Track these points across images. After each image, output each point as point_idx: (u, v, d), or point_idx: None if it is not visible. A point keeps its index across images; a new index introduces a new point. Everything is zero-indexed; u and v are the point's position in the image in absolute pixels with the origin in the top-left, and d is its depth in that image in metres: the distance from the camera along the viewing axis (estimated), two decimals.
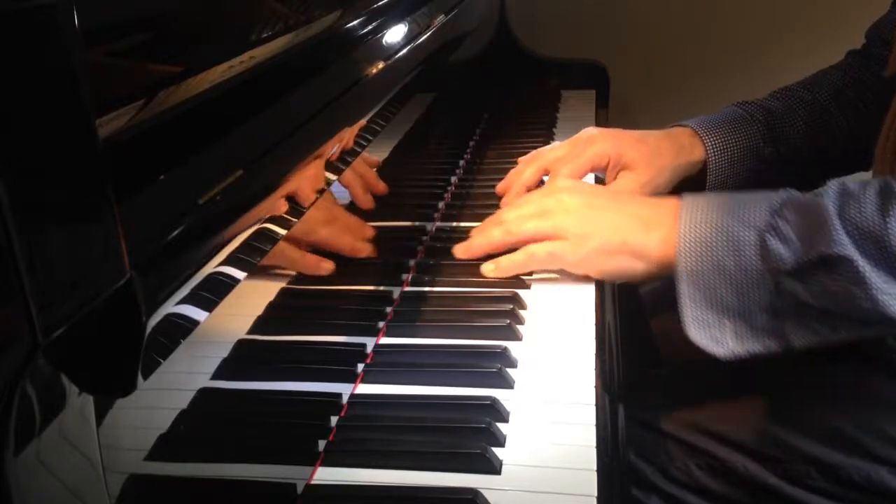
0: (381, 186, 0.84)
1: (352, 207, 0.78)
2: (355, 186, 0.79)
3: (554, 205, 0.78)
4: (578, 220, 0.76)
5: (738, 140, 0.93)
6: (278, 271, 0.62)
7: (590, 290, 0.80)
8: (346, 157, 0.68)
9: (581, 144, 0.92)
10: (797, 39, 1.63)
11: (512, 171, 0.95)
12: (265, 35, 0.59)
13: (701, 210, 0.70)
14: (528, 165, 0.94)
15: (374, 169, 0.84)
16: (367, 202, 0.81)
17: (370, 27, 0.82)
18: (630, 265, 0.75)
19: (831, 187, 0.67)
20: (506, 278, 0.81)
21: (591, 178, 0.98)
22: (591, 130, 0.95)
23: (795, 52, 1.61)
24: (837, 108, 0.96)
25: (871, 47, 0.98)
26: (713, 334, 0.68)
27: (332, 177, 0.64)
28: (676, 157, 0.91)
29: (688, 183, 0.93)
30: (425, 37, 0.92)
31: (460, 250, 0.83)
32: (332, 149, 0.63)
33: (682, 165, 0.92)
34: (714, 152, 0.92)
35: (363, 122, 0.70)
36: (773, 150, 0.94)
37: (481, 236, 0.83)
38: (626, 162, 0.91)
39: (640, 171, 0.90)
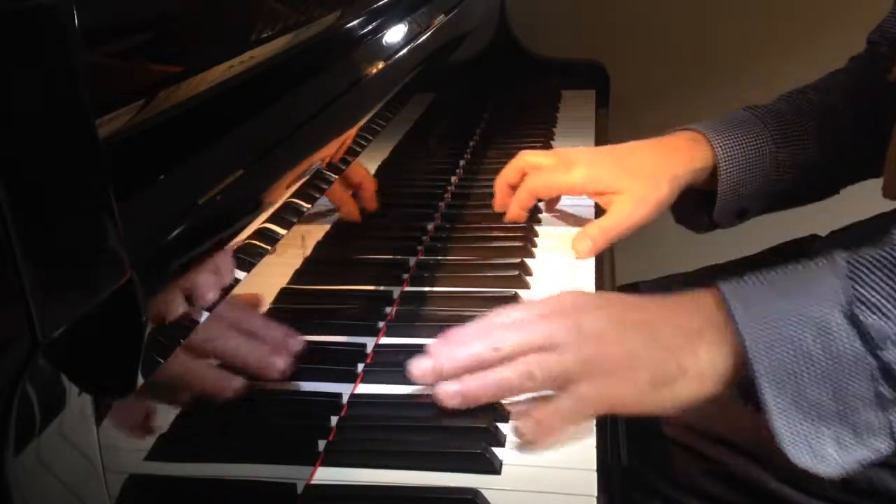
0: (372, 204, 0.78)
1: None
2: (345, 202, 0.73)
3: (574, 334, 0.60)
4: (615, 349, 0.59)
5: (750, 143, 0.87)
6: (278, 271, 0.62)
7: (590, 291, 0.80)
8: (347, 156, 0.68)
9: (564, 164, 0.88)
10: (798, 39, 1.63)
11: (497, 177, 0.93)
12: (265, 35, 0.59)
13: (756, 302, 0.58)
14: (509, 166, 0.92)
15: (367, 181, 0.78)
16: (355, 213, 0.74)
17: (370, 27, 0.82)
18: (692, 390, 0.59)
19: (893, 234, 0.59)
20: (505, 278, 0.81)
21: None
22: (577, 151, 0.91)
23: (796, 51, 1.61)
24: (848, 109, 0.92)
25: (878, 48, 0.96)
26: (813, 448, 0.56)
27: (333, 176, 0.64)
28: (672, 167, 0.85)
29: (694, 191, 0.89)
30: (425, 37, 0.92)
31: (447, 396, 0.60)
32: (332, 149, 0.63)
33: (682, 175, 0.86)
34: (725, 157, 0.86)
35: (363, 122, 0.70)
36: (786, 156, 0.89)
37: (473, 380, 0.60)
38: (610, 187, 0.85)
39: (629, 191, 0.84)
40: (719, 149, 0.86)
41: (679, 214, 0.96)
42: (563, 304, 0.63)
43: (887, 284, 0.55)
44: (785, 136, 0.89)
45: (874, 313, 0.54)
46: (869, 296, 0.55)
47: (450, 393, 0.60)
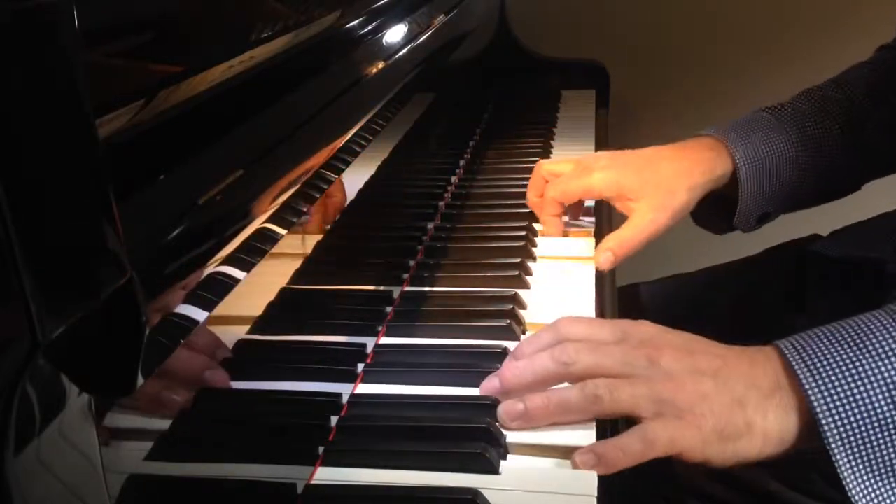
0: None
1: (352, 209, 0.78)
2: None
3: (650, 369, 0.59)
4: (689, 394, 0.57)
5: (771, 149, 0.86)
6: (278, 271, 0.62)
7: (590, 291, 0.80)
8: (347, 156, 0.68)
9: (583, 170, 0.88)
10: (798, 39, 1.63)
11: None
12: (265, 35, 0.59)
13: (820, 358, 0.56)
14: (531, 178, 0.93)
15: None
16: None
17: (370, 27, 0.82)
18: (755, 448, 0.58)
19: None
20: (505, 278, 0.81)
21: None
22: (597, 156, 0.91)
23: (797, 51, 1.61)
24: (871, 105, 0.90)
25: None
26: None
27: (333, 176, 0.64)
28: (690, 175, 0.85)
29: (715, 197, 0.88)
30: (425, 37, 0.92)
31: (509, 417, 0.60)
32: (332, 149, 0.63)
33: (701, 184, 0.85)
34: (746, 165, 0.85)
35: (363, 121, 0.70)
36: (808, 159, 0.88)
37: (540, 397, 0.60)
38: (628, 193, 0.86)
39: (647, 199, 0.85)
40: (740, 157, 0.86)
41: (698, 218, 0.95)
42: (641, 333, 0.62)
43: None
44: (805, 138, 0.88)
45: None
46: None
47: (511, 414, 0.59)
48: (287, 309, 0.60)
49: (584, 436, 0.59)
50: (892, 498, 0.54)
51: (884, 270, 0.85)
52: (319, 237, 0.67)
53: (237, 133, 0.51)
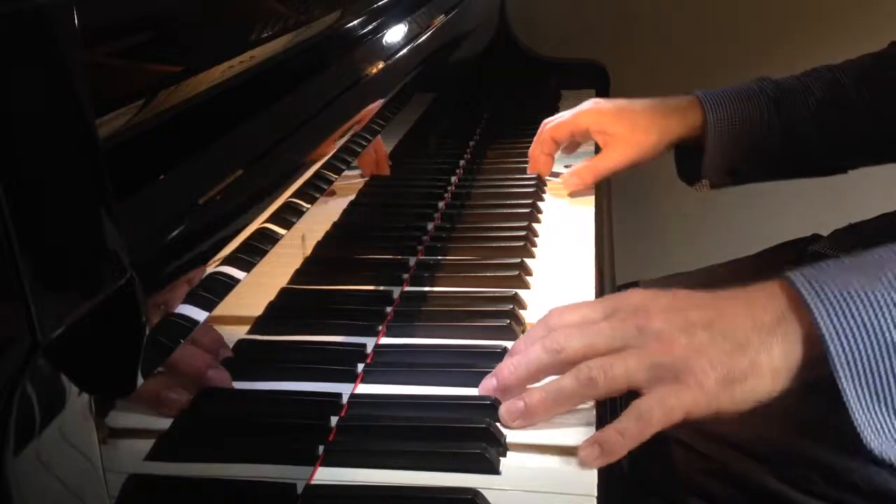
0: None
1: (352, 208, 0.78)
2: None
3: (638, 338, 0.58)
4: (682, 351, 0.57)
5: (741, 109, 0.95)
6: (278, 271, 0.62)
7: (590, 291, 0.80)
8: (347, 156, 0.68)
9: (574, 110, 1.01)
10: (798, 39, 1.63)
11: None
12: (265, 35, 0.59)
13: (832, 286, 0.55)
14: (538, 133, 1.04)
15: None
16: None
17: (370, 27, 0.82)
18: (766, 387, 0.57)
19: None
20: (505, 278, 0.81)
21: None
22: (589, 101, 1.01)
23: (796, 51, 1.61)
24: (856, 87, 0.96)
25: None
26: (893, 438, 0.54)
27: (333, 176, 0.64)
28: (665, 117, 0.96)
29: (686, 149, 0.99)
30: (425, 37, 0.92)
31: (510, 417, 0.60)
32: (332, 148, 0.63)
33: (672, 125, 0.96)
34: (713, 116, 0.95)
35: (363, 121, 0.70)
36: (778, 124, 0.96)
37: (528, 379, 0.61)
38: (607, 128, 0.97)
39: (622, 135, 0.96)
40: (709, 111, 0.96)
41: (681, 170, 1.06)
42: (630, 304, 0.61)
43: None
44: (782, 105, 0.96)
45: None
46: None
47: (513, 413, 0.59)
48: (287, 309, 0.60)
49: (585, 433, 0.59)
50: (891, 424, 0.54)
51: None
52: (319, 237, 0.67)
53: (237, 133, 0.51)
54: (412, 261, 0.85)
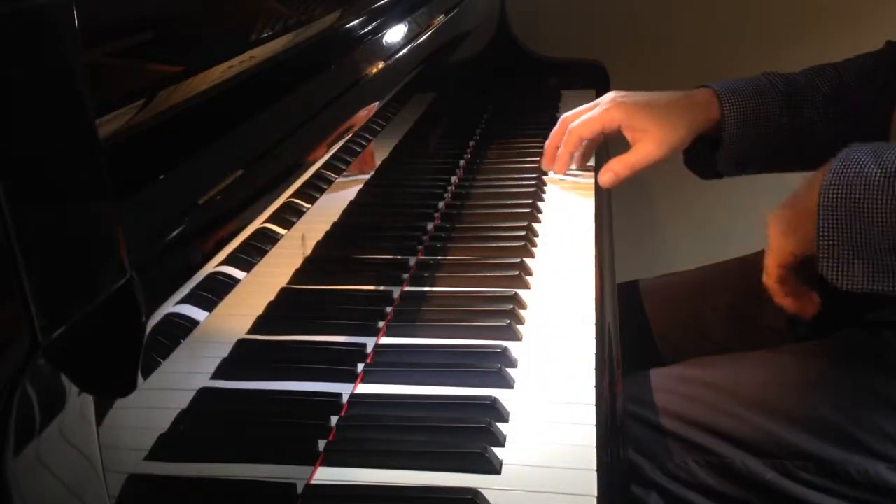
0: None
1: (352, 208, 0.78)
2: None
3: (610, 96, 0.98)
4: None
5: (756, 105, 0.99)
6: (278, 271, 0.62)
7: (590, 290, 0.80)
8: (347, 156, 0.68)
9: (602, 105, 1.02)
10: (798, 39, 1.63)
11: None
12: (265, 35, 0.59)
13: (853, 163, 0.71)
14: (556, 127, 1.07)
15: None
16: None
17: (370, 27, 0.82)
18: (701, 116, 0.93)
19: None
20: (505, 278, 0.81)
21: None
22: (611, 95, 1.03)
23: (796, 52, 1.61)
24: (860, 88, 0.99)
25: None
26: (842, 269, 0.68)
27: (333, 176, 0.64)
28: (690, 112, 0.99)
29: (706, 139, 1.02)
30: (425, 37, 0.92)
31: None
32: (332, 148, 0.63)
33: (697, 120, 0.99)
34: (730, 112, 0.98)
35: (364, 121, 0.70)
36: (789, 120, 0.99)
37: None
38: (638, 124, 0.99)
39: (652, 132, 0.98)
40: (727, 107, 0.99)
41: (689, 160, 1.08)
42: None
43: None
44: (792, 101, 1.00)
45: None
46: None
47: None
48: (287, 309, 0.60)
49: (584, 434, 0.59)
50: (846, 259, 0.67)
51: None
52: (319, 237, 0.67)
53: (237, 133, 0.50)
54: (412, 261, 0.85)
